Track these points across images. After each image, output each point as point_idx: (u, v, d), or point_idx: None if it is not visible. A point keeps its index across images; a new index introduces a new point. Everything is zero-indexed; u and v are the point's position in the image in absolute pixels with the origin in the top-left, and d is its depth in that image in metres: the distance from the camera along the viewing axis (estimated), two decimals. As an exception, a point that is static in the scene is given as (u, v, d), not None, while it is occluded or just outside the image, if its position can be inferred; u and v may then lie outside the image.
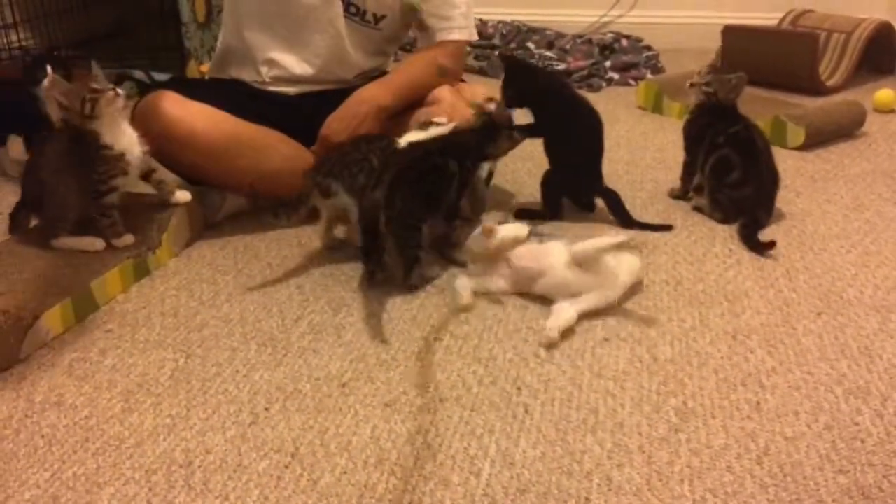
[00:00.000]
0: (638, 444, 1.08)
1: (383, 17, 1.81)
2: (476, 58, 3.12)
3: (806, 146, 2.19)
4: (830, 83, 2.77)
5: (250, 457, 1.06)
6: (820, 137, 2.22)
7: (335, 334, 1.35)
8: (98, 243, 1.52)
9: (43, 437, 1.10)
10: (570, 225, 1.71)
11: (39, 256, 1.48)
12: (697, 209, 1.80)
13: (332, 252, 1.59)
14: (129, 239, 1.54)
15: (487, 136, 1.58)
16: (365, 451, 1.07)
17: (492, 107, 1.61)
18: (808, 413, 1.14)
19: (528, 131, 1.67)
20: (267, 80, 1.83)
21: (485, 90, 1.82)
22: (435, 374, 1.23)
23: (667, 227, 1.71)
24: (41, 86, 1.75)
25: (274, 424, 1.12)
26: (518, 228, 1.45)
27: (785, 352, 1.29)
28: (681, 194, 1.86)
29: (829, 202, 1.86)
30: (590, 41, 3.23)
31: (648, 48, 3.25)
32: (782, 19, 3.03)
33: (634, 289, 1.46)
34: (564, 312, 1.35)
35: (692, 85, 1.77)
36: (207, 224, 1.73)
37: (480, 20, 3.38)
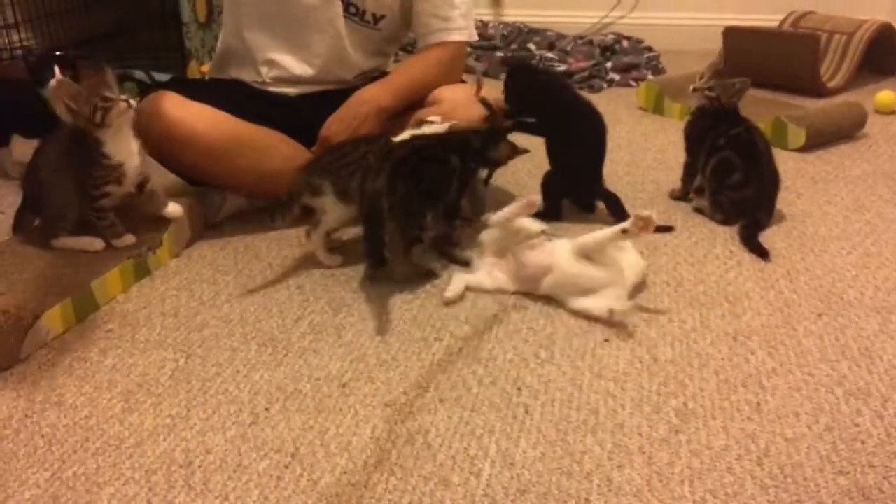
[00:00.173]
0: (638, 445, 1.08)
1: (383, 17, 1.81)
2: (477, 58, 3.12)
3: (807, 148, 2.19)
4: (831, 84, 2.77)
5: (250, 457, 1.06)
6: (821, 139, 2.22)
7: (335, 334, 1.34)
8: (97, 243, 1.52)
9: (43, 436, 1.10)
10: (570, 225, 1.71)
11: (40, 256, 1.48)
12: (698, 210, 1.80)
13: (332, 254, 1.59)
14: (129, 239, 1.54)
15: (491, 138, 1.59)
16: (365, 451, 1.07)
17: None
18: (808, 414, 1.14)
19: (530, 128, 1.68)
20: (267, 80, 1.83)
21: (490, 90, 1.82)
22: (435, 375, 1.23)
23: (668, 229, 1.70)
24: (48, 87, 1.75)
25: (274, 424, 1.12)
26: (533, 223, 1.47)
27: (785, 353, 1.29)
28: (681, 195, 1.86)
29: (830, 203, 1.86)
30: (591, 42, 3.23)
31: (649, 49, 3.26)
32: (783, 21, 3.03)
33: (637, 288, 1.46)
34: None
35: (695, 90, 1.77)
36: (208, 224, 1.73)
37: (481, 21, 3.39)
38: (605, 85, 2.94)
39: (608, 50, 3.16)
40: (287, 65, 1.81)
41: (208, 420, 1.13)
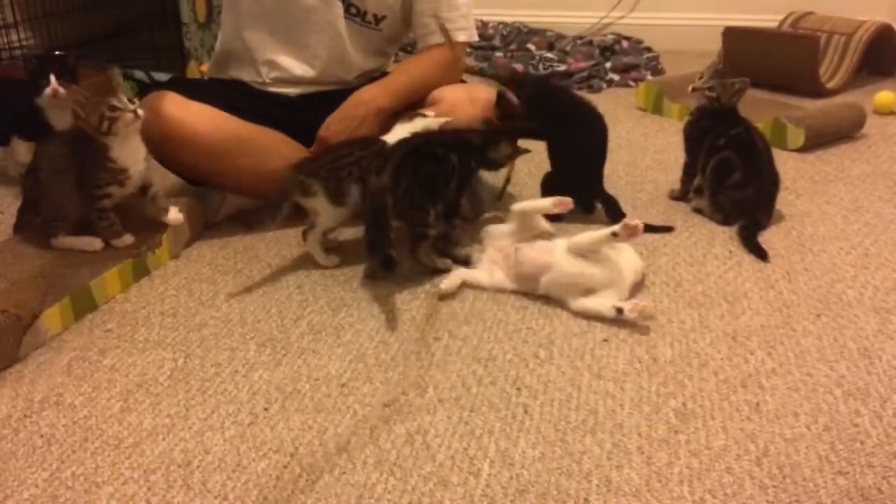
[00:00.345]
0: (637, 445, 1.08)
1: (383, 17, 1.81)
2: (477, 59, 3.12)
3: (806, 148, 2.19)
4: (831, 85, 2.77)
5: (249, 457, 1.06)
6: (820, 139, 2.22)
7: (334, 334, 1.34)
8: (97, 243, 1.52)
9: (42, 436, 1.10)
10: (569, 226, 1.70)
11: (39, 256, 1.48)
12: (697, 210, 1.80)
13: (329, 254, 1.59)
14: (128, 239, 1.53)
15: (491, 138, 1.59)
16: (364, 451, 1.07)
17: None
18: (807, 414, 1.14)
19: (531, 130, 1.68)
20: (267, 80, 1.82)
21: (490, 89, 1.82)
22: (434, 375, 1.23)
23: (667, 229, 1.71)
24: (42, 95, 1.75)
25: (273, 424, 1.12)
26: (545, 223, 1.55)
27: (784, 353, 1.29)
28: (681, 196, 1.86)
29: (829, 204, 1.86)
30: (590, 42, 3.23)
31: (649, 49, 3.26)
32: (783, 21, 3.03)
33: (636, 288, 1.46)
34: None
35: (694, 90, 1.77)
36: (207, 224, 1.73)
37: (481, 21, 3.39)
38: (604, 85, 2.94)
39: (608, 50, 3.16)
40: (287, 65, 1.81)
41: (207, 420, 1.13)
